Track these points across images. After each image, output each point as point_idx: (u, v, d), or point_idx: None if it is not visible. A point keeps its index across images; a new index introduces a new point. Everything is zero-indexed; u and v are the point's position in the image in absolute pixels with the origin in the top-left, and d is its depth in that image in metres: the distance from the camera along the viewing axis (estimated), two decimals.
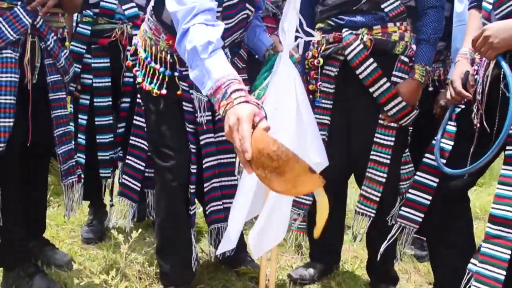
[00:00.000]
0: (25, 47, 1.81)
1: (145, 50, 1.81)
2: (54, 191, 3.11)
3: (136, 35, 2.34)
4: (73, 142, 2.09)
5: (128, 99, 2.42)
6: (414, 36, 1.92)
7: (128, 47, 2.33)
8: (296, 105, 1.65)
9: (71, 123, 2.31)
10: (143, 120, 1.98)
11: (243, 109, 1.06)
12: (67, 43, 2.04)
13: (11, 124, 1.74)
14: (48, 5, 1.80)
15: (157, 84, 1.77)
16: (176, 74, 1.76)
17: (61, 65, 1.95)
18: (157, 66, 1.77)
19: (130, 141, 2.06)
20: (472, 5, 1.86)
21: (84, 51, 2.32)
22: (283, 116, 1.60)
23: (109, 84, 2.37)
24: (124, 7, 2.34)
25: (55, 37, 1.92)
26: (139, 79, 1.83)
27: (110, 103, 2.40)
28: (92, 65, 2.34)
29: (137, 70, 1.85)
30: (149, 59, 1.79)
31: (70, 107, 2.43)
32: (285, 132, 1.55)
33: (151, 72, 1.79)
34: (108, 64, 2.36)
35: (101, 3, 2.30)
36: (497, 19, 1.57)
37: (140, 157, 2.05)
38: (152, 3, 1.74)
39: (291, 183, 1.00)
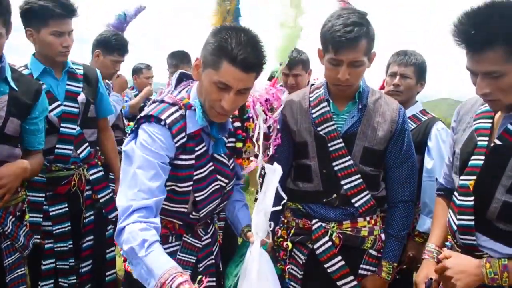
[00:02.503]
0: None
1: None
2: None
3: (92, 174, 2.34)
4: None
5: (91, 237, 2.35)
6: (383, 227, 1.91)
7: (86, 187, 2.29)
8: None
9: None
10: None
11: None
12: (27, 216, 1.94)
13: None
14: (5, 200, 1.70)
15: None
16: None
17: (20, 244, 1.86)
18: None
19: None
20: (438, 192, 1.85)
21: (42, 199, 2.21)
22: None
23: (69, 228, 2.28)
24: (78, 151, 2.27)
25: (13, 219, 1.82)
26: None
27: (71, 246, 2.30)
28: (51, 213, 2.23)
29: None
30: None
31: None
32: None
33: None
34: (67, 209, 2.27)
35: (56, 150, 2.20)
36: (462, 244, 1.58)
37: None
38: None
39: None
